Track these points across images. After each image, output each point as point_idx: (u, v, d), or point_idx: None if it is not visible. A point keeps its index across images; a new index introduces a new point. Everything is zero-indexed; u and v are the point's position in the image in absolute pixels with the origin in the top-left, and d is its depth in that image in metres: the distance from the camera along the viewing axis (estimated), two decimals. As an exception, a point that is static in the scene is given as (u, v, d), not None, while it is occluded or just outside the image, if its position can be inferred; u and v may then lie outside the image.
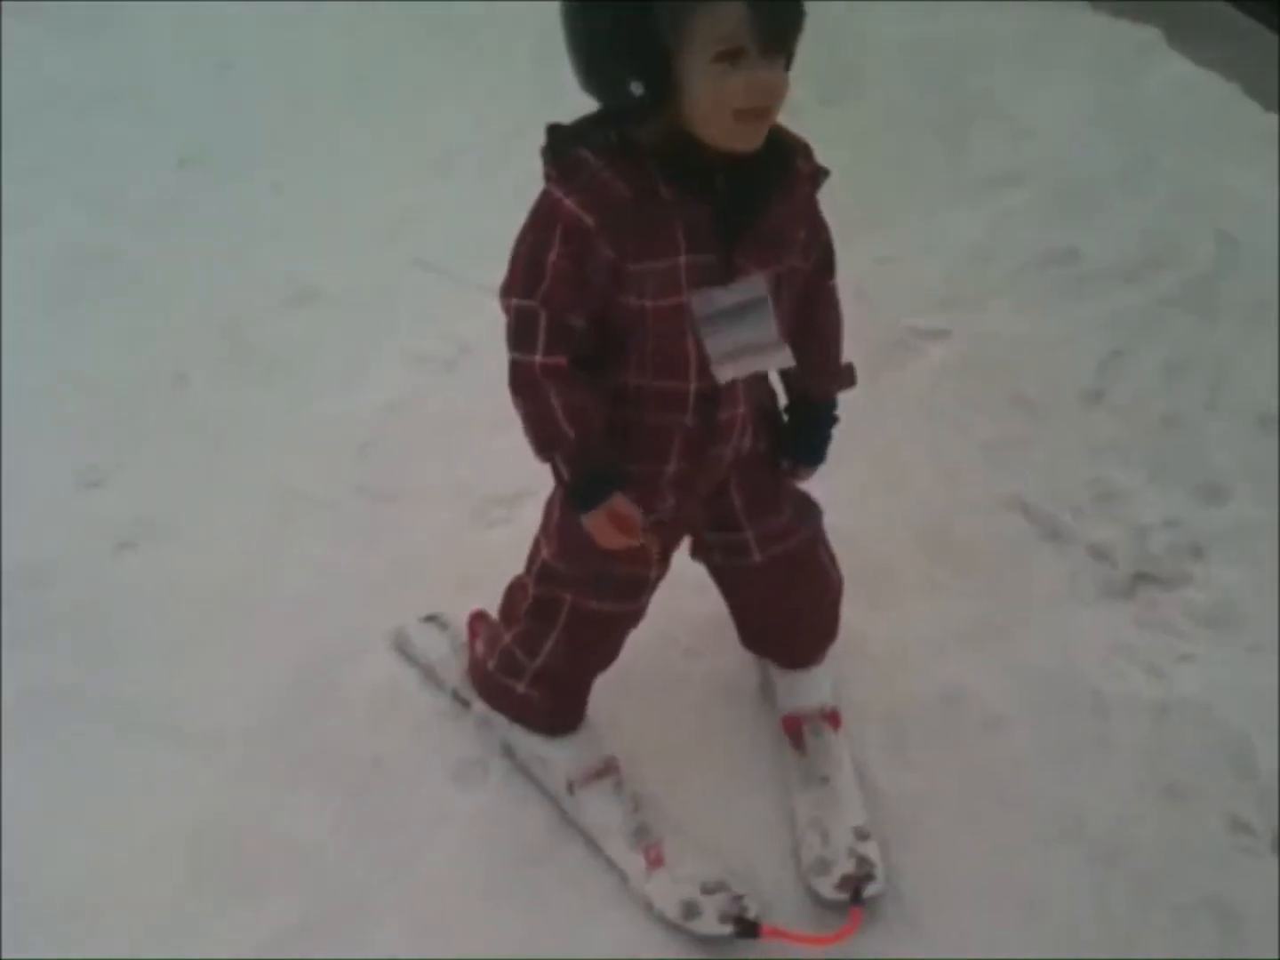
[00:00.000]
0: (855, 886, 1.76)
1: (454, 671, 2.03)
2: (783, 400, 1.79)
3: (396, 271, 2.88)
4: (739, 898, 1.75)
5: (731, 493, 1.75)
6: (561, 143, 1.52)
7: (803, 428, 1.77)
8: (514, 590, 1.86)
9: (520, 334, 1.55)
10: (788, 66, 1.45)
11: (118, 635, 2.12)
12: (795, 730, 1.94)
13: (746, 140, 1.46)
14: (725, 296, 1.54)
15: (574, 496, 1.60)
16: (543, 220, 1.51)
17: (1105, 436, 2.41)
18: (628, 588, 1.75)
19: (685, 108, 1.44)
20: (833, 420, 1.78)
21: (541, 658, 1.81)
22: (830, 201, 2.92)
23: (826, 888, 1.78)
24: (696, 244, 1.52)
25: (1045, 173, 3.02)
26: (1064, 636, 2.10)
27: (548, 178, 1.53)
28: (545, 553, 1.76)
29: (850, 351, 2.57)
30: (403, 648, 2.10)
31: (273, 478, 2.39)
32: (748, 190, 1.51)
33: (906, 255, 2.91)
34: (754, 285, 1.55)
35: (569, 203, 1.48)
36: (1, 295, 2.75)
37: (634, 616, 1.81)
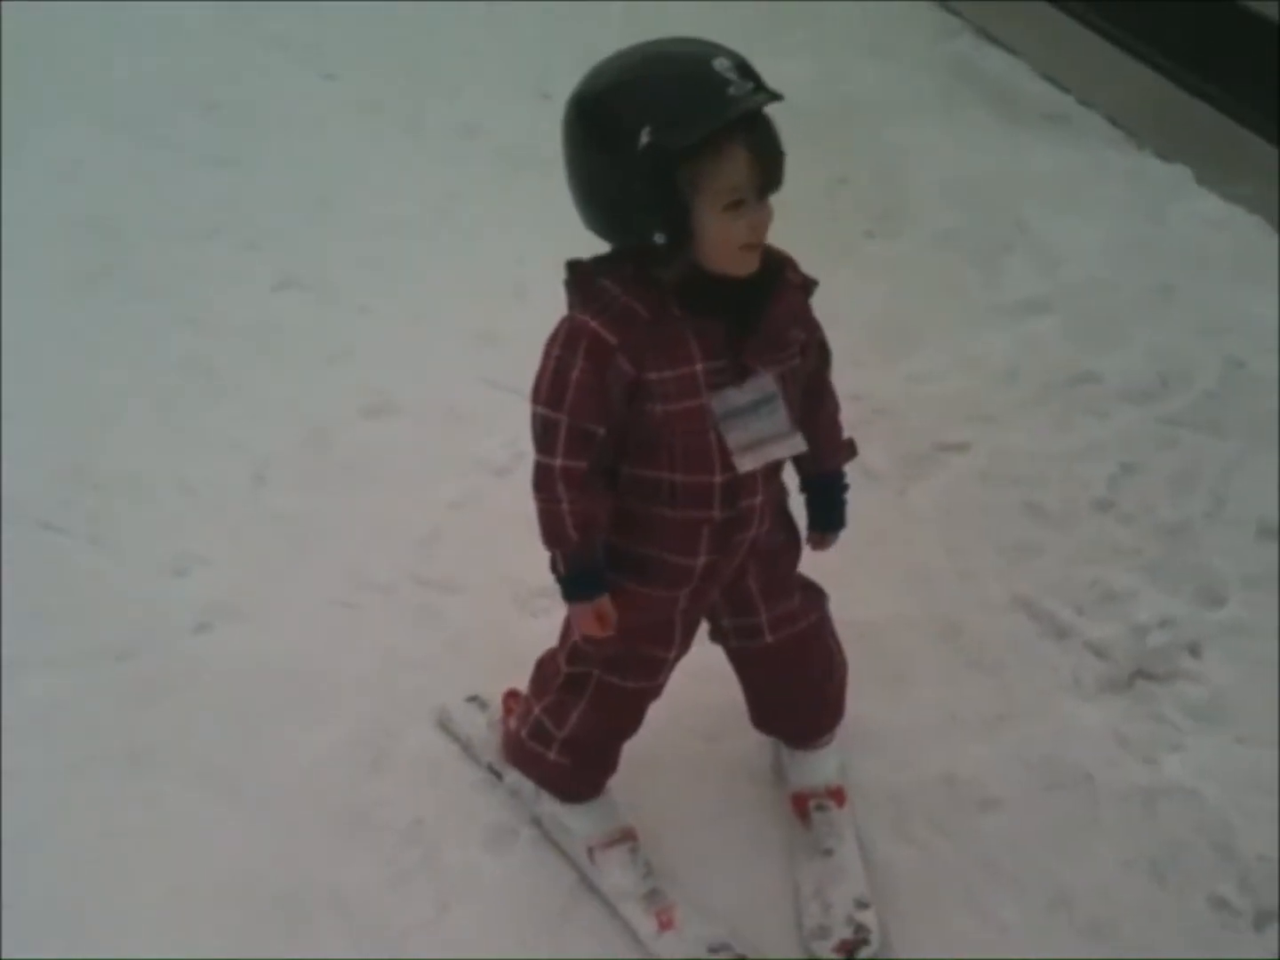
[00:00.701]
0: (850, 951, 1.91)
1: (490, 747, 2.22)
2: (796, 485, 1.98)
3: (467, 387, 3.12)
4: (742, 958, 1.90)
5: (749, 580, 1.92)
6: (584, 276, 1.74)
7: (821, 500, 1.98)
8: (544, 665, 2.05)
9: (544, 439, 1.74)
10: None
11: (192, 705, 2.33)
12: (802, 806, 2.11)
13: (748, 266, 1.69)
14: (739, 396, 1.74)
15: (567, 587, 1.82)
16: (569, 340, 1.70)
17: (1112, 543, 2.57)
18: (648, 667, 1.94)
19: (699, 248, 1.66)
20: (844, 488, 1.99)
21: (569, 728, 1.98)
22: (870, 325, 3.18)
23: (824, 951, 1.93)
24: (709, 353, 1.71)
25: (1071, 300, 3.22)
26: (1062, 726, 2.24)
27: (571, 306, 1.74)
28: (576, 636, 1.94)
29: (880, 462, 2.79)
30: (445, 725, 2.29)
31: (341, 568, 2.62)
32: (748, 303, 1.73)
33: (939, 375, 3.10)
34: (764, 383, 1.75)
35: (594, 324, 1.68)
36: (113, 400, 3.05)
37: (654, 692, 1.99)
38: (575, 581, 1.81)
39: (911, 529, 2.67)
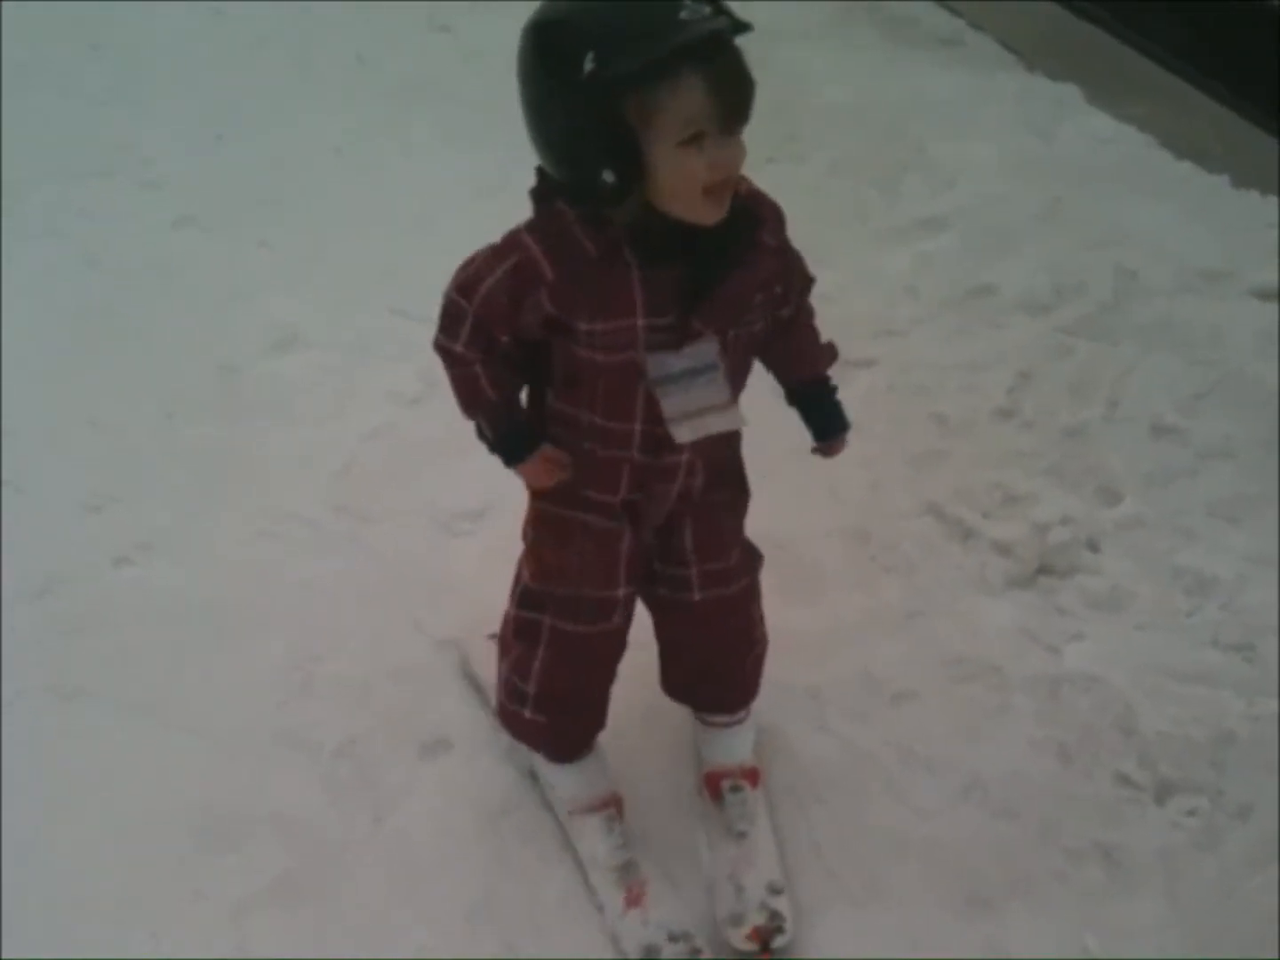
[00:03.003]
0: (764, 939, 1.86)
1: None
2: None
3: (375, 318, 3.11)
4: (697, 951, 1.84)
5: (685, 531, 1.85)
6: (547, 189, 1.61)
7: (814, 409, 1.90)
8: (504, 620, 1.97)
9: (446, 322, 1.68)
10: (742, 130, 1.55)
11: (117, 639, 2.33)
12: (715, 787, 2.04)
13: (712, 213, 1.54)
14: (677, 361, 1.63)
15: (504, 449, 1.74)
16: (502, 250, 1.62)
17: (1013, 448, 2.66)
18: (598, 608, 1.85)
19: (653, 189, 1.53)
20: (833, 390, 1.91)
21: (533, 680, 1.90)
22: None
23: (738, 939, 1.87)
24: (654, 307, 1.60)
25: (968, 217, 3.30)
26: (971, 622, 2.33)
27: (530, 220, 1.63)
28: (525, 575, 1.88)
29: (789, 380, 2.83)
30: (464, 665, 2.25)
31: (258, 501, 2.62)
32: (709, 260, 1.59)
33: (842, 293, 3.14)
34: (705, 351, 1.64)
35: (536, 250, 1.59)
36: (14, 344, 2.99)
37: (610, 636, 1.89)
38: (508, 440, 1.74)
39: (823, 443, 2.73)
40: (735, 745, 2.07)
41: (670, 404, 1.65)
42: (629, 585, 1.87)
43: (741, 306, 1.67)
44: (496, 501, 2.45)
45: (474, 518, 2.54)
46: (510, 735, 2.04)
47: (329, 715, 2.21)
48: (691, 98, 1.47)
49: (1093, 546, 2.42)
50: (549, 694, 1.91)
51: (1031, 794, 2.07)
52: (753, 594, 1.97)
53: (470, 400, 1.73)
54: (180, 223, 3.47)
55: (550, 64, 1.52)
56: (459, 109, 3.91)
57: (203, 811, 2.05)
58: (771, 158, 3.71)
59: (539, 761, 2.04)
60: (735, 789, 2.01)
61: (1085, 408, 2.73)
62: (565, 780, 2.00)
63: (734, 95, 1.50)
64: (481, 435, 1.77)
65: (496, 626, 2.02)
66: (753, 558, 1.96)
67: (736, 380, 1.72)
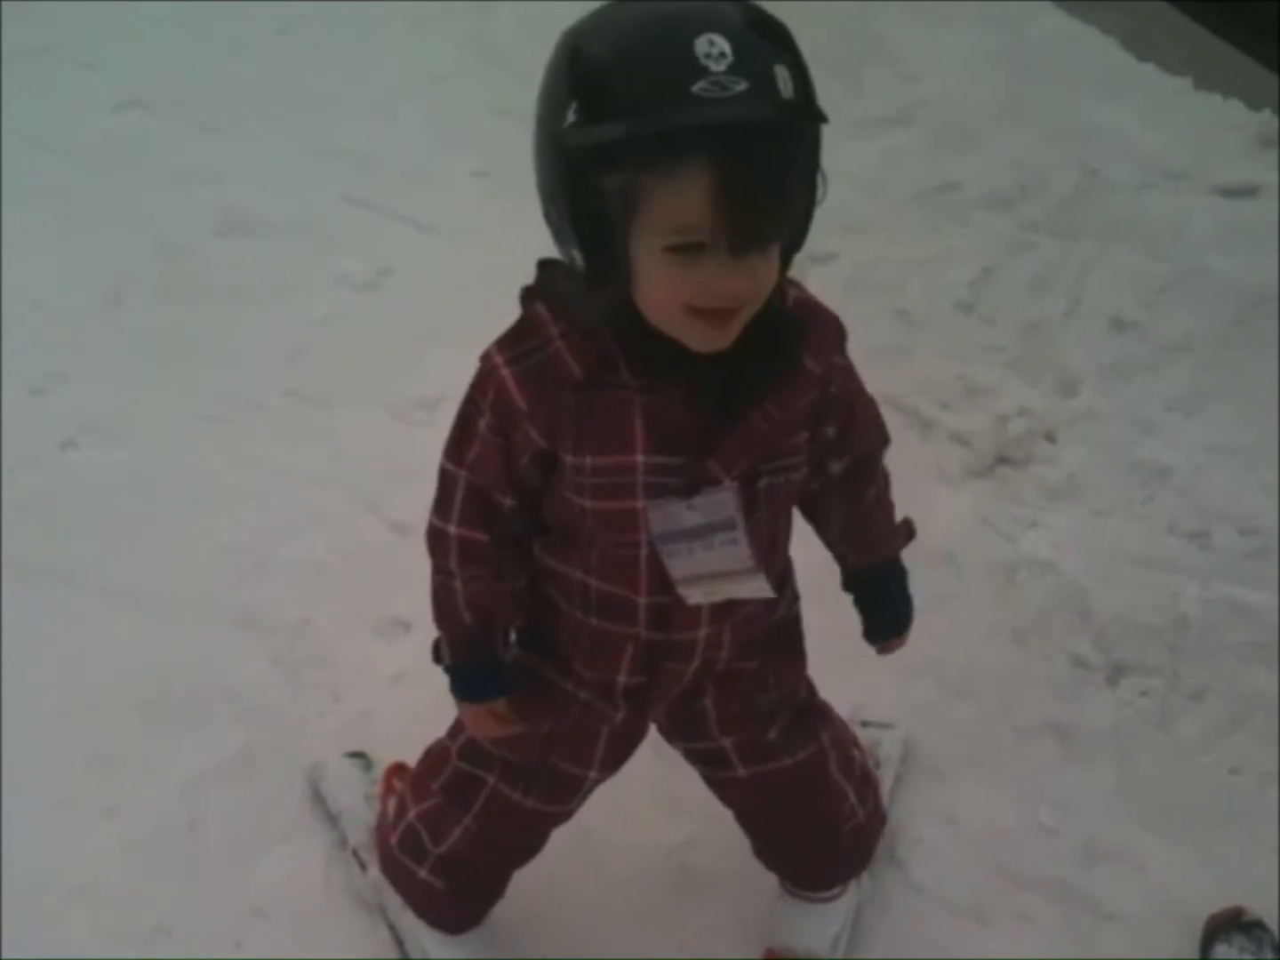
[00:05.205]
0: None
1: (360, 826, 1.80)
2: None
3: (325, 203, 3.05)
4: None
5: (706, 701, 1.50)
6: (537, 285, 1.28)
7: (875, 598, 1.55)
8: (433, 754, 1.64)
9: (439, 498, 1.36)
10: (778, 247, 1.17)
11: (66, 519, 2.29)
12: None
13: (704, 342, 1.17)
14: (688, 515, 1.27)
15: (455, 683, 1.43)
16: (479, 383, 1.29)
17: (974, 342, 2.66)
18: (560, 786, 1.53)
19: (635, 290, 1.16)
20: (903, 579, 1.54)
21: (447, 844, 1.58)
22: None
23: None
24: (660, 443, 1.25)
25: (931, 113, 3.27)
26: (928, 511, 2.28)
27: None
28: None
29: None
30: (316, 783, 1.89)
31: (208, 384, 2.57)
32: (733, 385, 1.23)
33: (803, 188, 3.12)
34: (722, 503, 1.27)
35: (505, 373, 1.25)
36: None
37: (561, 817, 1.58)
38: (464, 677, 1.42)
39: (782, 336, 2.71)
40: (810, 928, 1.71)
41: (677, 565, 1.30)
42: (604, 770, 1.54)
43: (773, 447, 1.30)
44: (451, 391, 2.39)
45: (429, 406, 2.50)
46: (391, 887, 1.70)
47: (284, 596, 2.18)
48: (687, 199, 1.08)
49: (1050, 438, 2.43)
50: (459, 862, 1.59)
51: (986, 675, 2.09)
52: (824, 765, 1.60)
53: (443, 614, 1.41)
54: (124, 105, 3.37)
55: (552, 96, 1.14)
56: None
57: (157, 687, 2.02)
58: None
59: (413, 926, 1.69)
60: None
61: (1047, 302, 2.73)
62: (440, 951, 1.68)
63: (747, 209, 1.09)
64: (436, 653, 1.44)
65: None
66: (814, 720, 1.61)
67: (775, 539, 1.39)
